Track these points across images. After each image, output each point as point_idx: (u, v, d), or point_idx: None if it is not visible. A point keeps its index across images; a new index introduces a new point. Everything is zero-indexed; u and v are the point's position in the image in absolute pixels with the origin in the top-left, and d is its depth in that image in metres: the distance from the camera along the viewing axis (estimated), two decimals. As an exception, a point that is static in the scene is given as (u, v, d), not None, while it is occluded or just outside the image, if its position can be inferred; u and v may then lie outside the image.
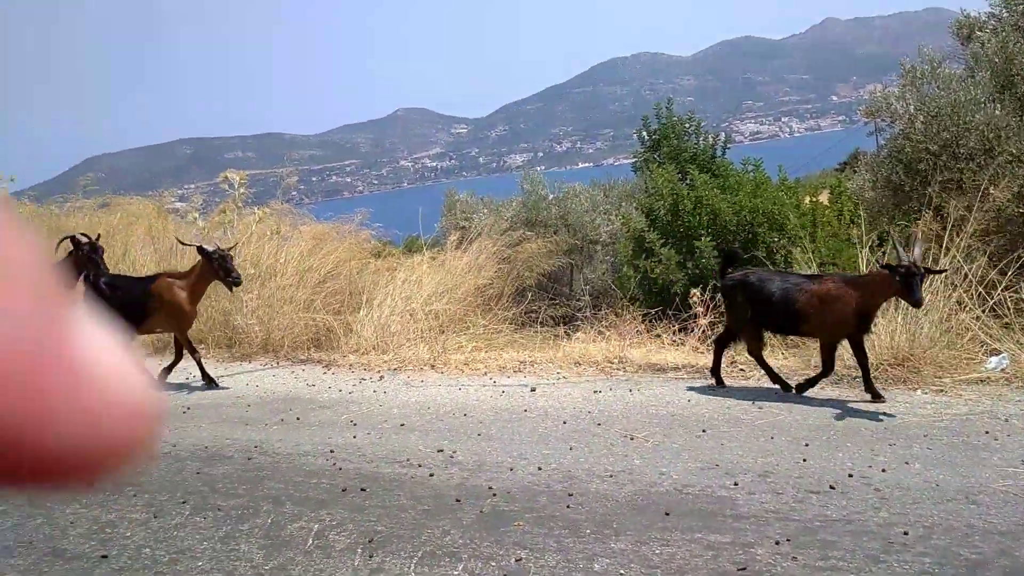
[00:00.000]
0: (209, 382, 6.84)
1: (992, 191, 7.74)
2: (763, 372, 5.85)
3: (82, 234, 6.87)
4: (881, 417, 4.94)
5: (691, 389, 5.93)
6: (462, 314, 8.48)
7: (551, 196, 12.84)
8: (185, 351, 6.89)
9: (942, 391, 5.31)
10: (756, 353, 5.85)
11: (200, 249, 6.71)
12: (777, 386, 5.70)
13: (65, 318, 0.30)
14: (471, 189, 14.59)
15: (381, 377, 6.99)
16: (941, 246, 6.96)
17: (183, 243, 7.95)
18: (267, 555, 3.53)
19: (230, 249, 6.84)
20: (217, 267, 6.57)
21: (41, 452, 0.28)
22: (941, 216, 7.91)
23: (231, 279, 6.59)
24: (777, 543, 3.34)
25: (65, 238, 6.88)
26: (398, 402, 6.13)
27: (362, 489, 4.26)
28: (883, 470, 4.06)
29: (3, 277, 0.28)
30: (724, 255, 5.89)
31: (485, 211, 13.22)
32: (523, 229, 11.64)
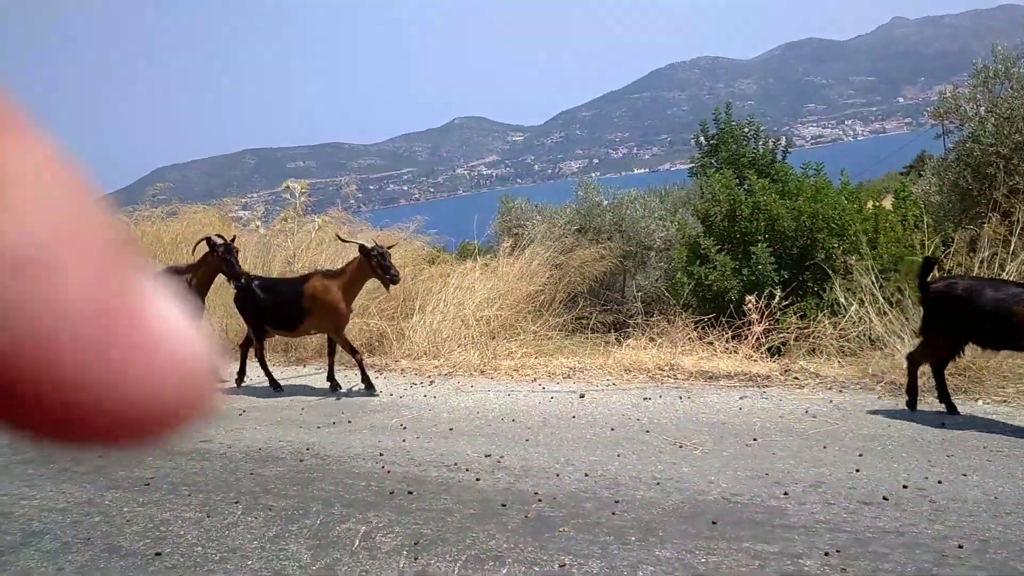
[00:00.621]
0: (369, 386, 6.74)
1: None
2: (936, 390, 5.23)
3: (217, 235, 7.02)
4: (939, 427, 4.79)
5: (743, 397, 5.84)
6: (513, 320, 8.52)
7: (605, 202, 12.80)
8: (342, 351, 6.89)
9: (1004, 401, 5.12)
10: (940, 369, 5.21)
11: (361, 247, 6.64)
12: (944, 407, 5.14)
13: (135, 284, 0.32)
14: (526, 196, 14.63)
15: (432, 382, 7.07)
16: (1009, 250, 6.73)
17: (343, 240, 7.74)
18: (315, 555, 3.61)
19: (389, 248, 6.77)
20: (375, 264, 6.52)
21: (109, 410, 0.31)
22: (1009, 220, 7.64)
23: (389, 276, 6.52)
24: (826, 554, 3.27)
25: (202, 240, 7.07)
26: (448, 407, 6.19)
27: (409, 492, 4.31)
28: (939, 482, 3.93)
29: (78, 244, 0.31)
30: (924, 262, 5.37)
31: (539, 218, 13.24)
32: (576, 235, 11.63)
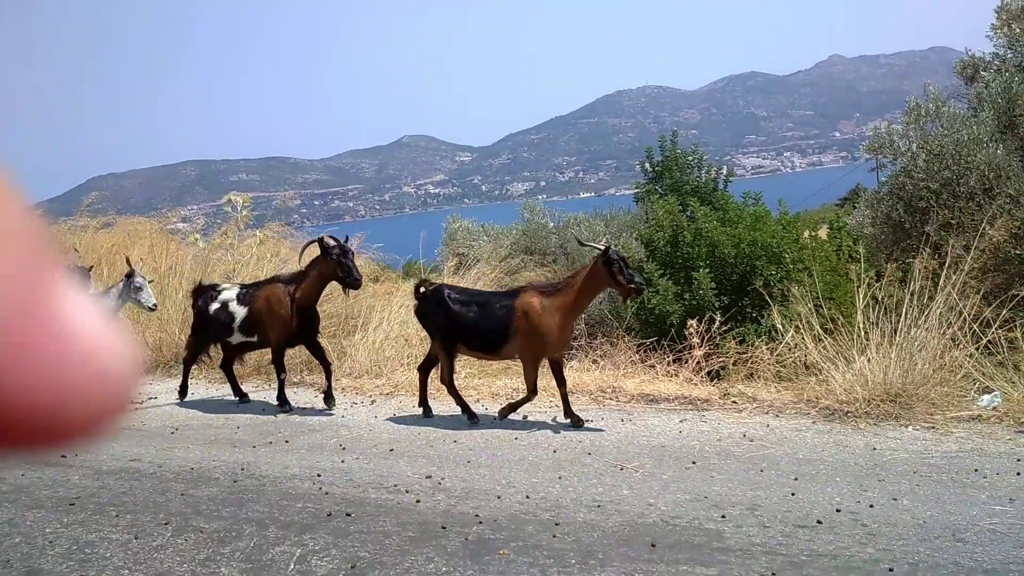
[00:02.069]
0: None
1: (989, 230, 7.78)
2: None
3: (330, 236, 6.41)
4: (871, 452, 4.92)
5: (683, 420, 5.91)
6: (457, 340, 8.46)
7: (551, 225, 12.89)
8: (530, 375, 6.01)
9: (933, 427, 5.28)
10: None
11: (605, 253, 5.72)
12: None
13: (51, 283, 0.30)
14: (473, 216, 14.65)
15: (373, 401, 6.98)
16: (937, 284, 6.97)
17: (583, 244, 6.83)
18: (247, 578, 3.50)
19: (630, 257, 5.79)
20: (616, 271, 5.64)
21: (19, 411, 0.29)
22: (939, 254, 7.94)
23: (633, 286, 5.67)
24: (762, 577, 3.31)
25: (311, 242, 6.65)
26: (389, 427, 6.11)
27: (347, 514, 4.23)
28: (871, 506, 4.03)
29: None
30: None
31: (485, 238, 13.26)
32: (522, 256, 11.68)
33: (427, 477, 4.81)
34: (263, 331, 6.70)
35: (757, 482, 4.50)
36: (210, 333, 6.96)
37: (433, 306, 6.11)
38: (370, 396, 7.12)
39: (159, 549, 3.84)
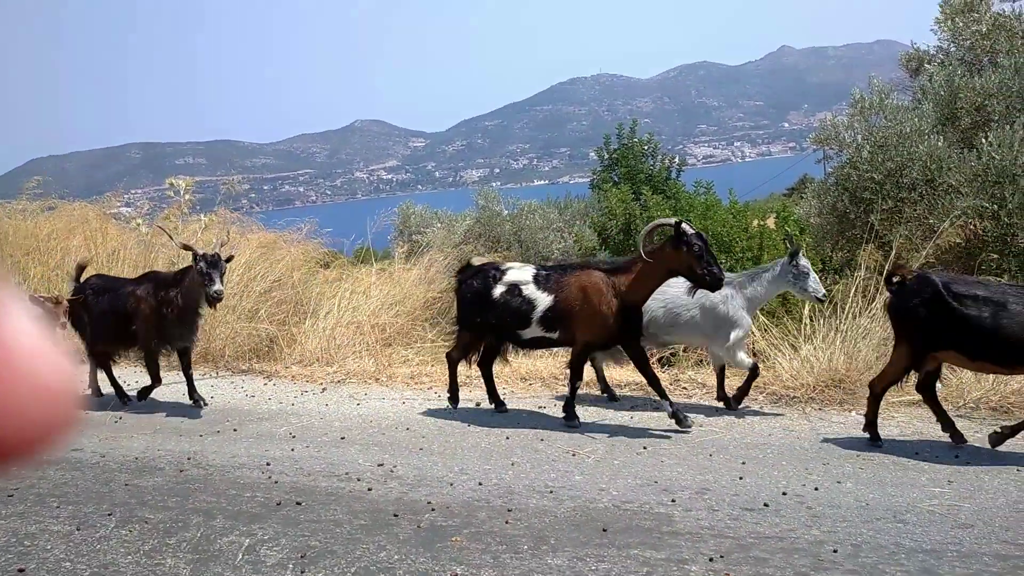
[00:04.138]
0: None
1: (930, 219, 8.00)
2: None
3: (687, 222, 5.21)
4: (816, 437, 5.03)
5: (634, 407, 5.97)
6: (409, 327, 8.42)
7: (505, 212, 12.88)
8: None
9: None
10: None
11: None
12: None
13: None
14: (427, 203, 14.55)
15: (324, 389, 6.89)
16: (881, 273, 7.15)
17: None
18: (194, 570, 3.43)
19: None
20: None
21: None
22: (882, 244, 8.14)
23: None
24: (711, 560, 3.36)
25: (660, 224, 5.37)
26: (340, 415, 6.04)
27: (298, 503, 4.17)
28: (816, 489, 4.13)
29: None
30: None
31: (439, 224, 13.20)
32: (476, 243, 11.66)
33: (379, 465, 4.78)
34: (569, 327, 5.44)
35: (706, 466, 4.58)
36: (490, 324, 5.69)
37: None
38: (320, 384, 7.03)
39: (102, 540, 3.75)
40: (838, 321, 6.29)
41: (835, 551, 3.38)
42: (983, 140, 7.77)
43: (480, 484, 4.40)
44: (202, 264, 5.79)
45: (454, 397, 5.96)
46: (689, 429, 5.25)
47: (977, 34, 9.31)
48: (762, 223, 12.08)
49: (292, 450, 5.15)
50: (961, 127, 8.74)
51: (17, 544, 3.71)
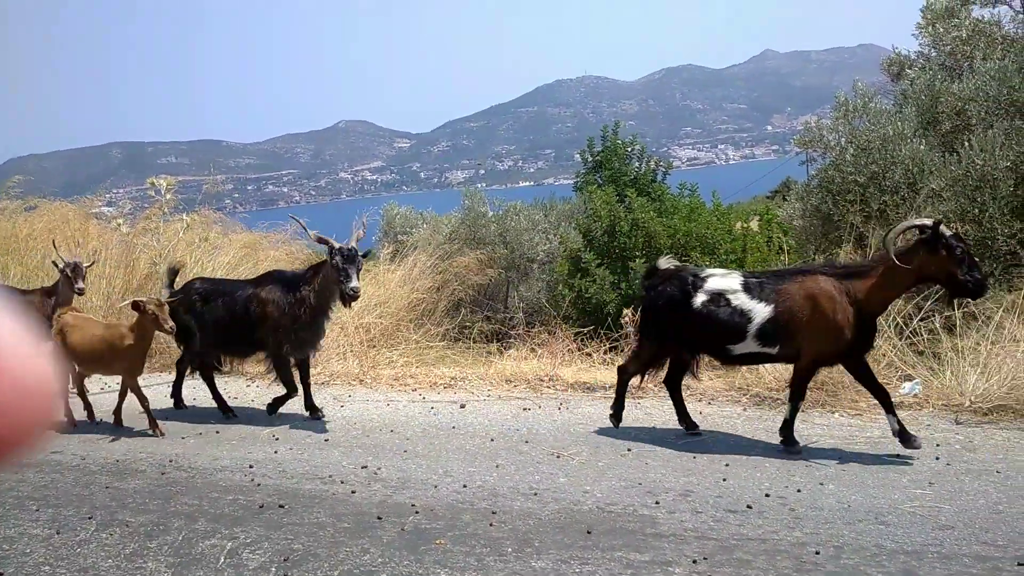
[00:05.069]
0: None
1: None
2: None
3: (939, 218, 4.53)
4: (799, 439, 5.06)
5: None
6: (394, 328, 8.40)
7: (491, 213, 12.87)
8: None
9: (858, 414, 5.47)
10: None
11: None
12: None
13: None
14: (411, 204, 14.52)
15: (308, 391, 6.84)
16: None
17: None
18: (175, 573, 3.40)
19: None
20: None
21: None
22: (863, 245, 8.20)
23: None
24: (695, 561, 3.37)
25: (916, 225, 4.70)
26: (324, 416, 6.01)
27: (280, 506, 4.15)
28: (798, 490, 4.15)
29: None
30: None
31: (424, 225, 13.17)
32: (461, 245, 11.64)
33: (363, 467, 4.76)
34: (794, 341, 4.76)
35: (690, 468, 4.59)
36: (690, 337, 5.11)
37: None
38: (305, 385, 6.98)
39: (83, 544, 3.71)
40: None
41: (817, 553, 3.40)
42: (964, 144, 7.84)
43: (464, 486, 4.39)
44: (338, 259, 5.33)
45: (617, 415, 5.45)
46: (918, 448, 4.59)
47: (957, 40, 9.41)
48: (746, 225, 12.15)
49: (275, 452, 5.12)
50: (942, 131, 8.83)
51: (-5, 548, 3.67)
